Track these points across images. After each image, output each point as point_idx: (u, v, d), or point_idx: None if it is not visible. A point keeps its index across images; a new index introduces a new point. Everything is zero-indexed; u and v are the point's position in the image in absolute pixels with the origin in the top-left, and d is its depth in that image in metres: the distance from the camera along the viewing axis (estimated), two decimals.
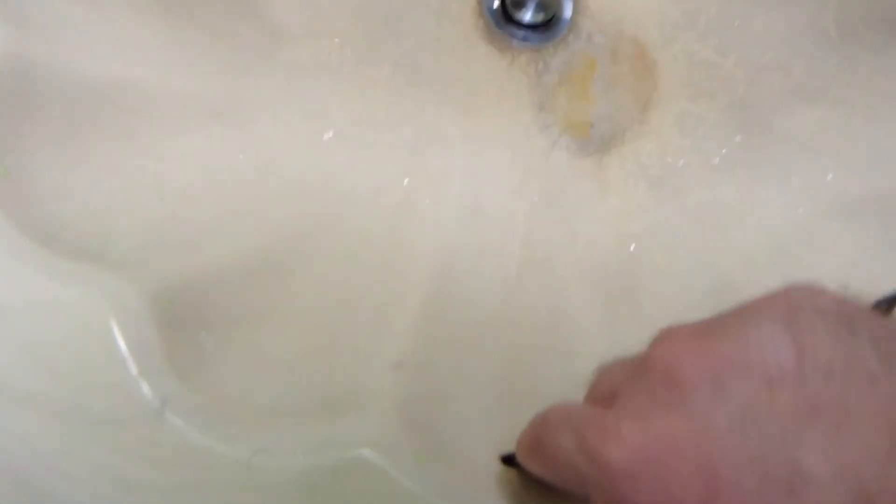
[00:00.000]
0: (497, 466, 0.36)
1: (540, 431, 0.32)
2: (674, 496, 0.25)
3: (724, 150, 0.49)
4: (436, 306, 0.44)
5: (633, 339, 0.45)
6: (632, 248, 0.48)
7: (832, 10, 0.49)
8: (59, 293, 0.35)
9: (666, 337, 0.30)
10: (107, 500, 0.33)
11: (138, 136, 0.43)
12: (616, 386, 0.30)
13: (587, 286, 0.47)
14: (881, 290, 0.45)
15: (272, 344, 0.40)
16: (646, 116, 0.50)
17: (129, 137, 0.43)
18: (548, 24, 0.52)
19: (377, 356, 0.40)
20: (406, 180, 0.48)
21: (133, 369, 0.34)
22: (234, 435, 0.34)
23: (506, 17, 0.51)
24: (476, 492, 0.36)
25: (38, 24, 0.41)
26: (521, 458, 0.34)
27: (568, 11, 0.52)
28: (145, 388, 0.33)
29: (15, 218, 0.36)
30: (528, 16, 0.51)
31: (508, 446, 0.37)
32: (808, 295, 0.28)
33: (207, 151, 0.45)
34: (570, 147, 0.50)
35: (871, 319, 0.27)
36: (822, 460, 0.24)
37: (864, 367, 0.25)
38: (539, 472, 0.32)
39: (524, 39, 0.51)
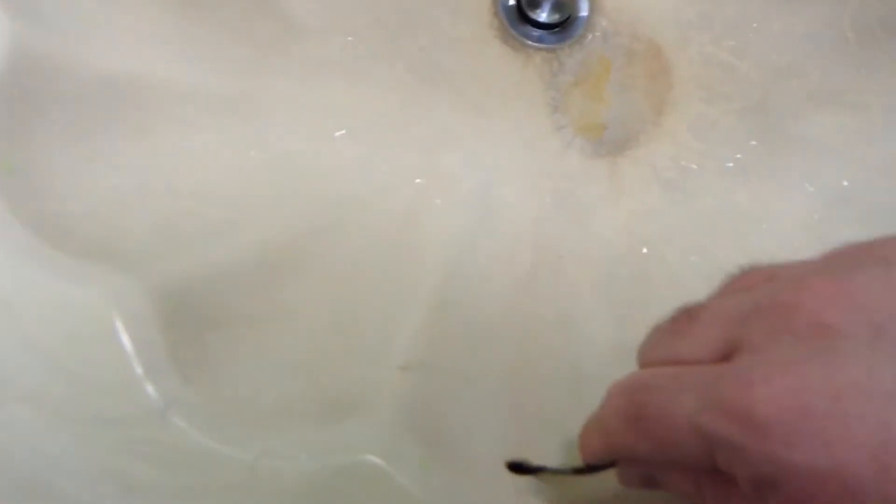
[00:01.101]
0: (503, 473, 0.36)
1: (641, 397, 0.28)
2: (840, 455, 0.22)
3: (738, 155, 0.49)
4: (445, 307, 0.44)
5: None
6: (644, 251, 0.47)
7: (850, 14, 0.49)
8: (64, 291, 0.35)
9: (797, 283, 0.26)
10: (110, 500, 0.33)
11: (149, 132, 0.43)
12: (731, 337, 0.27)
13: (598, 289, 0.47)
14: None
15: (278, 344, 0.39)
16: (660, 119, 0.50)
17: (139, 133, 0.43)
18: (563, 24, 0.51)
19: (384, 358, 0.40)
20: (418, 180, 0.48)
21: (138, 369, 0.33)
22: (238, 437, 0.34)
23: (521, 16, 0.51)
24: (482, 499, 0.36)
25: (53, 18, 0.41)
26: (611, 437, 0.29)
27: (584, 11, 0.51)
28: (150, 388, 0.33)
29: (22, 214, 0.36)
30: (543, 15, 0.51)
31: (515, 452, 0.37)
32: None
33: (219, 148, 0.45)
34: (583, 148, 0.50)
35: None
36: None
37: None
38: (636, 447, 0.28)
39: (539, 39, 0.51)
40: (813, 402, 0.23)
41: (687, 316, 0.30)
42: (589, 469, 0.31)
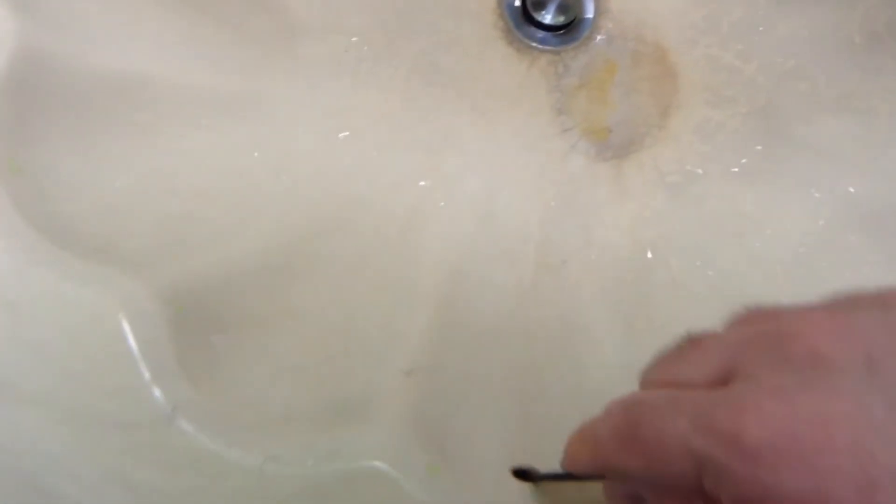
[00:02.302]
0: (509, 479, 0.36)
1: (636, 415, 0.28)
2: (824, 482, 0.23)
3: (743, 159, 0.49)
4: (448, 311, 0.44)
5: (646, 349, 0.45)
6: (648, 255, 0.47)
7: (858, 18, 0.48)
8: (71, 292, 0.34)
9: (795, 316, 0.27)
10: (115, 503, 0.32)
11: (153, 132, 0.43)
12: (729, 363, 0.27)
13: (601, 293, 0.47)
14: None
15: (284, 347, 0.39)
16: (665, 122, 0.50)
17: (143, 133, 0.42)
18: (569, 26, 0.51)
19: (389, 362, 0.40)
20: (422, 182, 0.48)
21: (145, 373, 0.33)
22: (244, 441, 0.33)
23: (526, 17, 0.51)
24: None
25: (53, 16, 0.41)
26: (603, 451, 0.29)
27: (589, 13, 0.51)
28: (157, 392, 0.33)
29: (27, 215, 0.36)
30: (548, 17, 0.51)
31: (520, 457, 0.36)
32: None
33: (222, 148, 0.45)
34: (588, 151, 0.50)
35: None
36: None
37: None
38: (626, 463, 0.28)
39: (544, 41, 0.51)
40: (802, 430, 0.23)
41: (690, 342, 0.30)
42: (575, 477, 0.31)
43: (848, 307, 0.26)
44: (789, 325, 0.26)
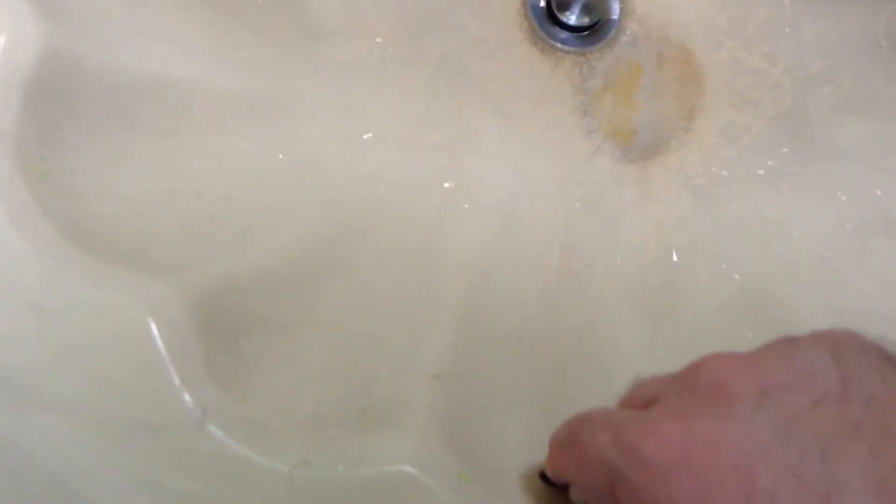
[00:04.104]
0: (538, 486, 0.36)
1: (577, 427, 0.33)
2: (706, 493, 0.26)
3: (769, 162, 0.48)
4: (473, 314, 0.43)
5: (671, 352, 0.45)
6: (674, 258, 0.47)
7: (884, 21, 0.48)
8: (99, 297, 0.34)
9: (709, 356, 0.30)
10: None
11: (179, 135, 0.43)
12: (655, 393, 0.31)
13: (626, 296, 0.46)
14: None
15: (311, 351, 0.39)
16: (691, 124, 0.50)
17: (169, 136, 0.42)
18: (593, 27, 0.51)
19: (416, 365, 0.40)
20: (445, 184, 0.48)
21: (174, 378, 0.33)
22: (274, 447, 0.33)
23: (551, 18, 0.51)
24: None
25: (82, 19, 0.41)
26: (551, 454, 0.34)
27: (615, 14, 0.51)
28: (186, 397, 0.33)
29: (55, 219, 0.36)
30: (573, 18, 0.50)
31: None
32: (852, 335, 0.29)
33: (248, 151, 0.45)
34: (612, 153, 0.49)
35: None
36: (859, 475, 0.25)
37: None
38: (566, 469, 0.33)
39: (569, 42, 0.51)
40: (694, 448, 0.27)
41: (635, 381, 0.37)
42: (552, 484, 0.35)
43: (764, 349, 0.30)
44: (701, 362, 0.30)
